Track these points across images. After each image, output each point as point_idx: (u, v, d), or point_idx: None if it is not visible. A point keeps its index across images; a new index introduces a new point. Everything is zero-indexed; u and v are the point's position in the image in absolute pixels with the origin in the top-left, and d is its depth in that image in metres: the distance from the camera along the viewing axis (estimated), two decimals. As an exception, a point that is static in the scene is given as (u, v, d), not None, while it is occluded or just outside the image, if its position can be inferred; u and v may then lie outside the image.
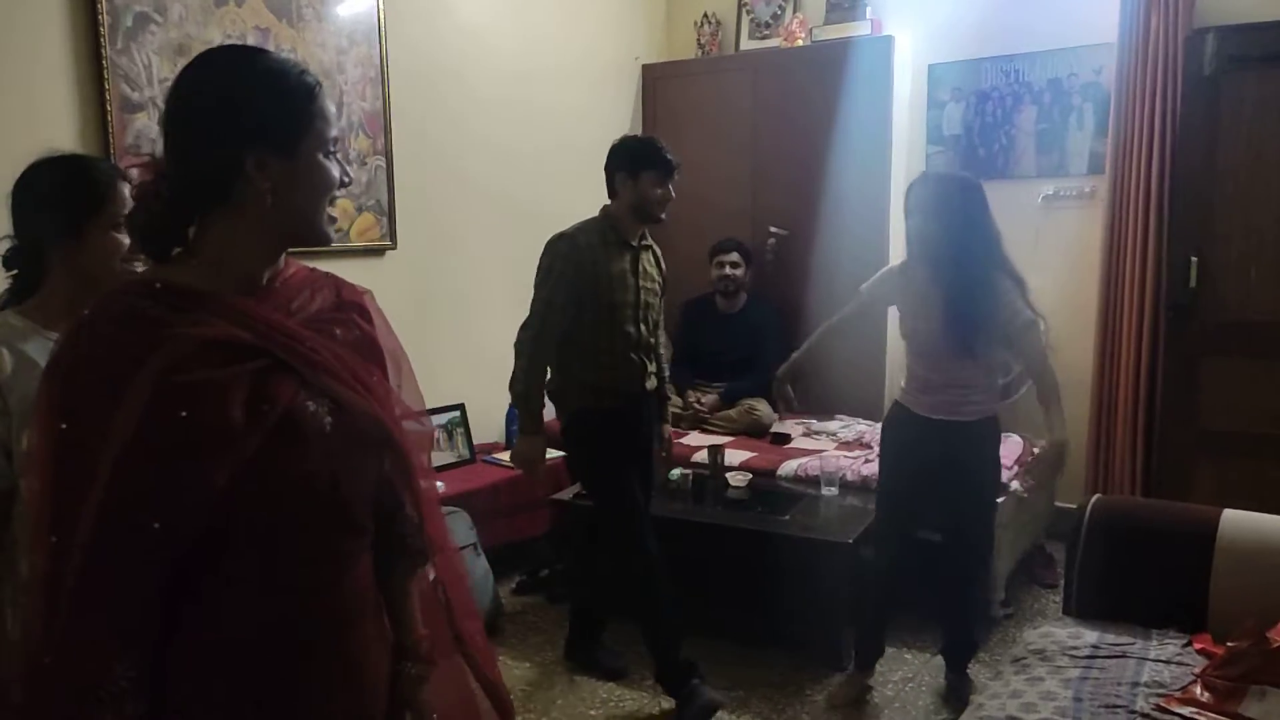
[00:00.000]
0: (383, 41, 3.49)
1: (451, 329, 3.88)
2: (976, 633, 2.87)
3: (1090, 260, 3.94)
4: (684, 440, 3.95)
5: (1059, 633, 2.21)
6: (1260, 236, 3.49)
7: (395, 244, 3.62)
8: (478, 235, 3.93)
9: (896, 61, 4.17)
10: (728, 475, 3.49)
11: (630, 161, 2.68)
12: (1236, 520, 2.23)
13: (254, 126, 1.00)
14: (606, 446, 2.73)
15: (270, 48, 3.11)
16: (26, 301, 1.53)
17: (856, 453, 3.65)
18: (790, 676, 2.93)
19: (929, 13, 4.23)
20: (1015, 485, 3.28)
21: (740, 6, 4.68)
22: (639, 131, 4.71)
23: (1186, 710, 1.85)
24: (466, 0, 3.87)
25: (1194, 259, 3.58)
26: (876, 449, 3.07)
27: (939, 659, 2.95)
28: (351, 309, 1.14)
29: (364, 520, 1.09)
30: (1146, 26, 3.67)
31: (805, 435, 3.99)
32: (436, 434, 3.69)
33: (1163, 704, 1.87)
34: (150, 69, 2.81)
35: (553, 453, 3.10)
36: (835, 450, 3.71)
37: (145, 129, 2.79)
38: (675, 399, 4.26)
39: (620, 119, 4.62)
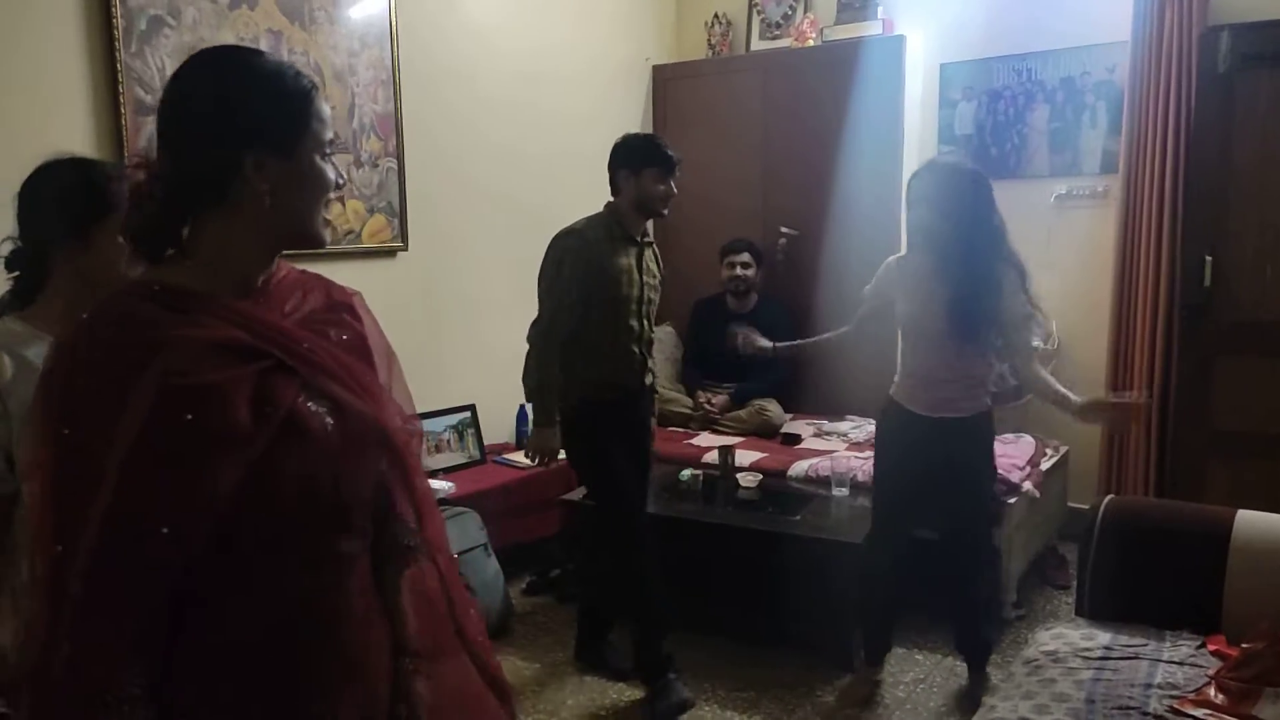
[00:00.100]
0: (394, 44, 3.50)
1: (462, 329, 3.89)
2: (987, 631, 2.85)
3: (1103, 260, 3.92)
4: (695, 441, 3.96)
5: (1071, 634, 2.20)
6: (1275, 235, 3.47)
7: (406, 245, 3.63)
8: (488, 236, 3.95)
9: (908, 61, 4.16)
10: (738, 476, 3.49)
11: (632, 158, 2.73)
12: (1251, 521, 2.22)
13: (253, 127, 0.99)
14: (605, 438, 2.75)
15: (283, 50, 3.13)
16: (28, 306, 1.51)
17: (867, 453, 3.63)
18: (801, 677, 2.93)
19: (940, 12, 4.22)
20: (1027, 486, 3.26)
21: (751, 7, 4.68)
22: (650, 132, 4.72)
23: (1200, 712, 1.84)
24: (477, 2, 3.88)
25: (1208, 258, 3.55)
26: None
27: (950, 660, 2.95)
28: (342, 309, 1.13)
29: (363, 521, 1.09)
30: (1160, 24, 3.65)
31: (816, 436, 3.99)
32: (447, 435, 3.70)
33: (1176, 706, 1.86)
34: (164, 72, 2.83)
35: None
36: (846, 451, 3.70)
37: (159, 132, 2.81)
38: (685, 399, 4.27)
39: (630, 120, 4.63)
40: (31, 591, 0.96)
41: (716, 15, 4.75)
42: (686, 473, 3.57)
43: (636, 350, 2.79)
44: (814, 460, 3.58)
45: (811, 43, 4.41)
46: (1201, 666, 2.00)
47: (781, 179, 4.46)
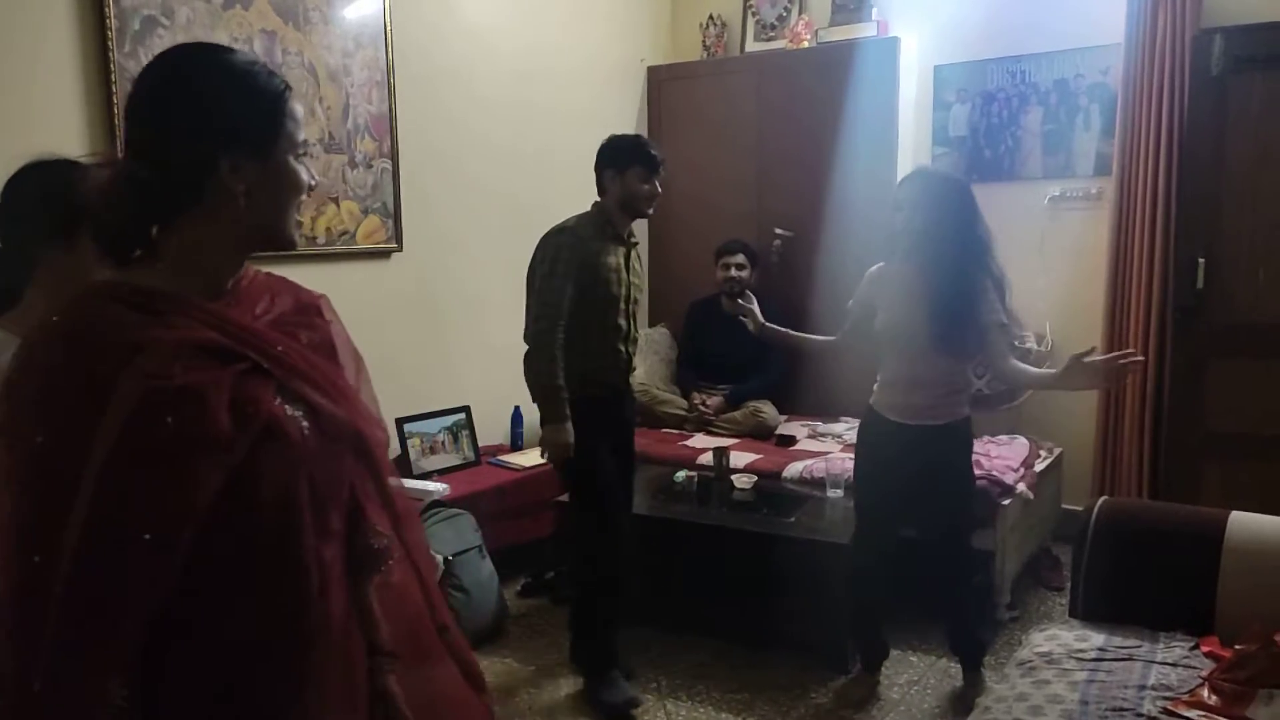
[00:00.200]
0: (389, 44, 3.50)
1: (457, 331, 3.88)
2: (978, 631, 2.86)
3: (1097, 262, 3.93)
4: (689, 442, 3.96)
5: (1065, 635, 2.20)
6: (1268, 238, 3.48)
7: (401, 246, 3.63)
8: (483, 237, 3.94)
9: (902, 63, 4.17)
10: (733, 477, 3.49)
11: (617, 158, 2.75)
12: (1244, 522, 2.22)
13: (229, 128, 0.98)
14: (591, 436, 2.75)
15: (277, 51, 3.13)
16: (8, 311, 1.47)
17: (862, 455, 3.64)
18: (795, 678, 2.93)
19: (935, 14, 4.23)
20: (1021, 487, 3.27)
21: (745, 8, 4.68)
22: (644, 133, 4.72)
23: (1194, 714, 1.84)
24: (472, 3, 3.88)
25: (1201, 260, 3.56)
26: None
27: (944, 661, 2.95)
28: (311, 312, 1.12)
29: (341, 525, 1.07)
30: (1153, 27, 3.66)
31: (810, 437, 3.99)
32: (442, 436, 3.70)
33: (1170, 707, 1.86)
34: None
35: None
36: (840, 452, 3.70)
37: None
38: (680, 400, 4.27)
39: (625, 121, 4.63)
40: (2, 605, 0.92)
41: (711, 16, 4.75)
42: (681, 474, 3.57)
43: (623, 349, 2.82)
44: (809, 462, 3.58)
45: (806, 44, 4.41)
46: (1195, 668, 2.00)
47: (776, 180, 4.46)
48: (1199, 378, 3.62)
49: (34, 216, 1.46)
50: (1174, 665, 2.02)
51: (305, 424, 1.01)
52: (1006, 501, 3.18)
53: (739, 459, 3.63)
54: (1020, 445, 3.58)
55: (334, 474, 1.05)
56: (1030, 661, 2.10)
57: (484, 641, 3.14)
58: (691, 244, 4.58)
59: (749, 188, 4.53)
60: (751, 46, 4.67)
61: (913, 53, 4.25)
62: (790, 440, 3.92)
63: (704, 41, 4.78)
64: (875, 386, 2.72)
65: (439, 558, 2.98)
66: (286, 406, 1.00)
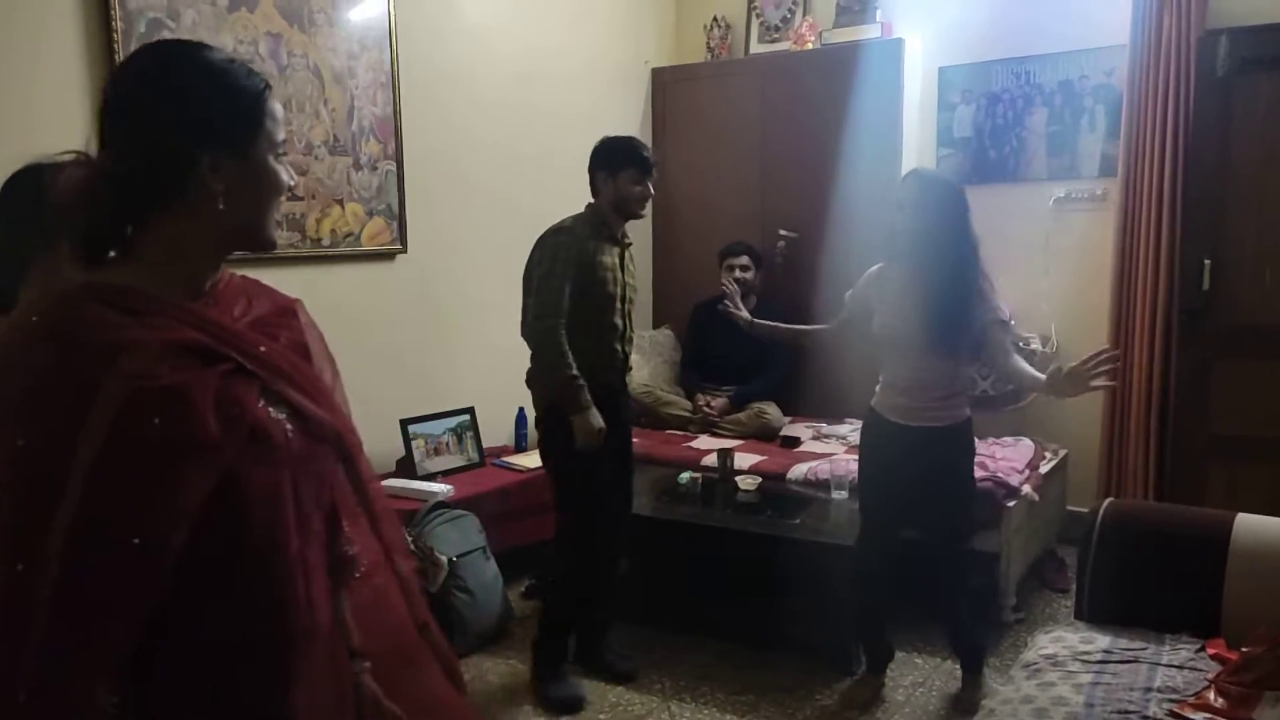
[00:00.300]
0: (394, 47, 3.50)
1: (462, 332, 3.89)
2: (978, 634, 2.86)
3: (1102, 263, 3.92)
4: (693, 444, 3.96)
5: (1071, 637, 2.19)
6: (1274, 239, 3.47)
7: (405, 248, 3.63)
8: (488, 239, 3.94)
9: (906, 64, 4.16)
10: (737, 479, 3.49)
11: (609, 160, 2.78)
12: (1250, 524, 2.22)
13: (210, 126, 0.96)
14: None
15: (282, 53, 3.14)
16: (3, 314, 1.47)
17: (866, 456, 3.64)
18: (800, 680, 2.92)
19: (939, 15, 4.22)
20: (1026, 489, 3.26)
21: (750, 10, 4.68)
22: (648, 136, 4.73)
23: (1199, 716, 1.84)
24: (476, 5, 3.88)
25: (1206, 262, 3.56)
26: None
27: (949, 664, 2.95)
28: (287, 315, 1.10)
29: (320, 527, 1.06)
30: (1158, 28, 3.65)
31: (815, 439, 3.99)
32: (446, 437, 3.70)
33: (1176, 709, 1.86)
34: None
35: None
36: (845, 454, 3.70)
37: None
38: (684, 402, 4.27)
39: (629, 123, 4.63)
40: None
41: (715, 18, 4.75)
42: (685, 476, 3.57)
43: (620, 348, 2.84)
44: (813, 463, 3.58)
45: (810, 46, 4.41)
46: (1201, 670, 2.00)
47: (780, 182, 4.46)
48: (1204, 379, 3.61)
49: (30, 218, 1.45)
50: (1180, 668, 2.01)
51: (289, 426, 0.99)
52: (1011, 503, 3.17)
53: (743, 460, 3.62)
54: (1025, 447, 3.58)
55: (316, 476, 1.04)
56: (1035, 664, 2.10)
57: (488, 643, 3.15)
58: (695, 245, 4.58)
59: (753, 189, 4.53)
60: (756, 48, 4.67)
61: (917, 54, 4.25)
62: (795, 442, 3.92)
63: (708, 43, 4.78)
64: (877, 388, 2.72)
65: (443, 559, 2.99)
66: (270, 409, 0.98)
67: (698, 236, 4.58)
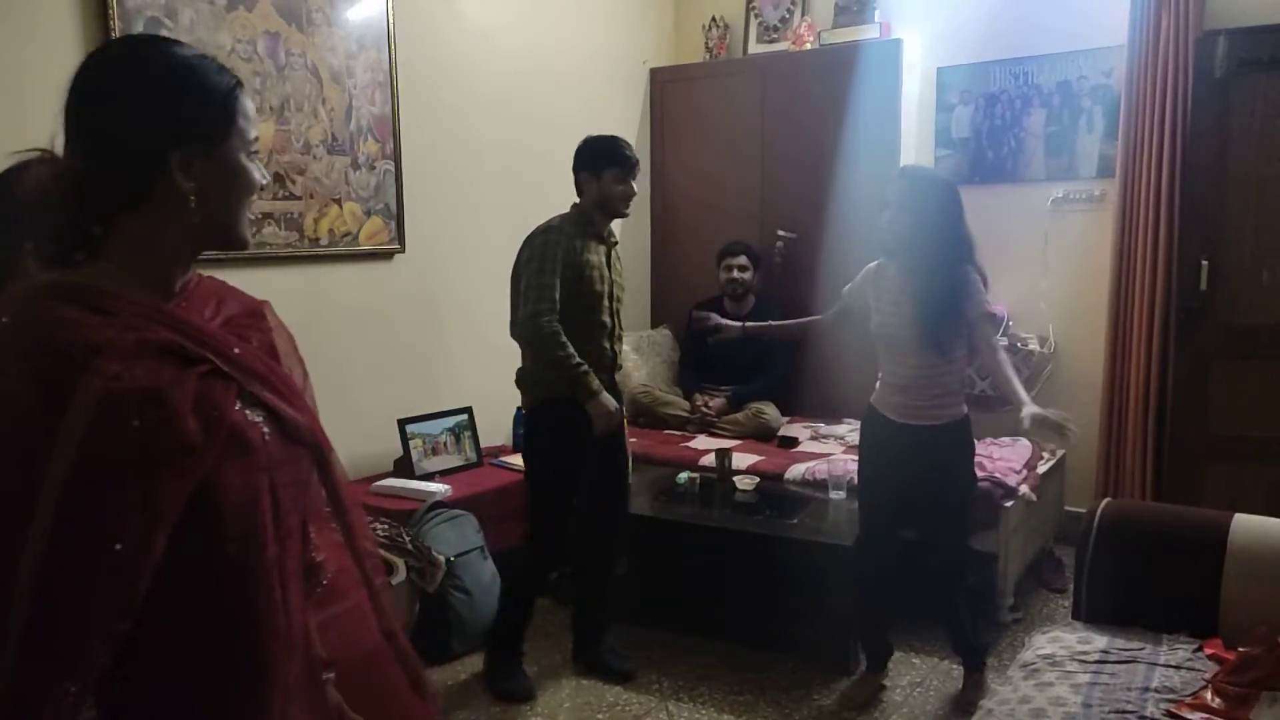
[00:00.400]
0: (392, 46, 3.50)
1: (460, 332, 3.88)
2: (976, 633, 2.86)
3: (1100, 263, 3.92)
4: (691, 444, 3.96)
5: (1068, 638, 2.20)
6: (1271, 239, 3.47)
7: (403, 248, 3.63)
8: (485, 238, 3.94)
9: (905, 64, 4.16)
10: (735, 479, 3.49)
11: (593, 160, 2.80)
12: (1248, 525, 2.22)
13: (180, 123, 0.94)
14: (567, 438, 2.78)
15: (280, 52, 3.13)
16: None
17: (865, 456, 3.64)
18: (798, 680, 2.92)
19: (938, 15, 4.23)
20: (1024, 489, 3.27)
21: (748, 10, 4.68)
22: (647, 135, 4.73)
23: (1197, 716, 1.84)
24: (475, 5, 3.88)
25: (1205, 262, 3.56)
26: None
27: (947, 663, 2.95)
28: (256, 316, 1.08)
29: (295, 533, 1.04)
30: (1157, 29, 3.65)
31: (813, 439, 3.99)
32: (444, 437, 3.69)
33: (1173, 709, 1.86)
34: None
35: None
36: (843, 454, 3.70)
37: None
38: (682, 402, 4.27)
39: (628, 123, 4.63)
40: None
41: (714, 18, 4.75)
42: (683, 476, 3.57)
43: (609, 346, 2.86)
44: (811, 463, 3.58)
45: (809, 46, 4.41)
46: (1198, 670, 2.00)
47: (779, 182, 4.46)
48: (1202, 380, 3.62)
49: (23, 217, 1.45)
50: (1177, 668, 2.02)
51: (266, 429, 0.98)
52: (1009, 503, 3.18)
53: (741, 460, 3.62)
54: (1023, 447, 3.58)
55: (293, 479, 1.02)
56: (1033, 663, 2.10)
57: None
58: (693, 245, 4.58)
59: (751, 189, 4.53)
60: (754, 48, 4.67)
61: (915, 54, 4.25)
62: (793, 442, 3.92)
63: (706, 43, 4.78)
64: (876, 385, 2.73)
65: (441, 559, 2.98)
66: (246, 411, 0.96)
67: (696, 236, 4.58)
